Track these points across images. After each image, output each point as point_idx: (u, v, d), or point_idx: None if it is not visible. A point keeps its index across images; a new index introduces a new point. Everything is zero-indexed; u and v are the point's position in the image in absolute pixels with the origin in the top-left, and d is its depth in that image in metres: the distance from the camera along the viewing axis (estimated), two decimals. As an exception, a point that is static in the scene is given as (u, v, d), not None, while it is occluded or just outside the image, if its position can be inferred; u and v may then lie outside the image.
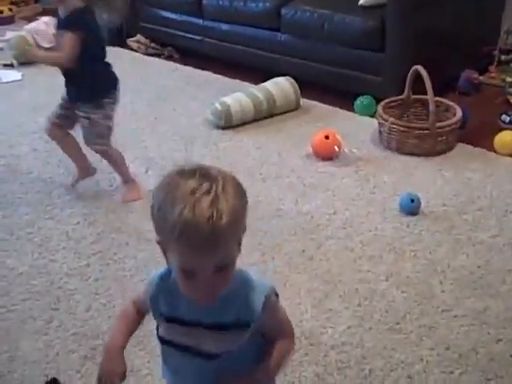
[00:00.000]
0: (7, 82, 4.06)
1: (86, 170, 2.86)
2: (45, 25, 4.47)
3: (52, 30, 4.41)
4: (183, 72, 4.11)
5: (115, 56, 4.40)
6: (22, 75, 4.16)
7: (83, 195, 2.79)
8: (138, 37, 4.51)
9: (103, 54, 2.65)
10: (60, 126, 2.71)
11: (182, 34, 4.25)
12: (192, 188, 0.97)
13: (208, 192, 0.97)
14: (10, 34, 4.79)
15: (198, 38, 4.15)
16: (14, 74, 4.17)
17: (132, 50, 4.53)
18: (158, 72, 4.14)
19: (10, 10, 5.32)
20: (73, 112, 2.63)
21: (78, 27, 2.41)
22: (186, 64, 4.21)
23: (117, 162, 2.78)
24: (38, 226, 2.58)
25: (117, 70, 4.10)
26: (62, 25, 2.46)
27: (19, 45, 4.26)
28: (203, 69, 4.09)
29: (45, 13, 5.48)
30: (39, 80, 4.08)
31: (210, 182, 0.99)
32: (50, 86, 3.89)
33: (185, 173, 1.02)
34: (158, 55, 4.40)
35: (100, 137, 2.64)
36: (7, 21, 5.24)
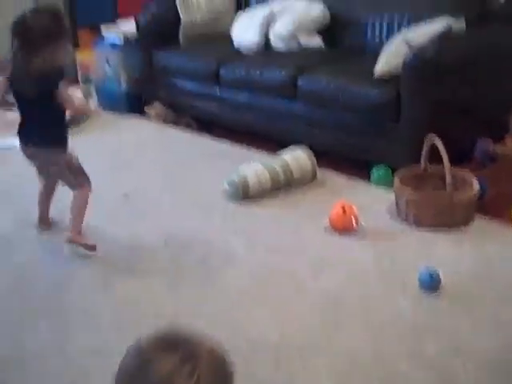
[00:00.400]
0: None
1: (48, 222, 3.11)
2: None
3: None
4: (201, 141, 4.16)
5: (133, 124, 4.54)
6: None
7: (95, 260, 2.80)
8: (156, 105, 4.57)
9: None
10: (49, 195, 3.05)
11: (199, 103, 4.32)
12: (170, 370, 0.84)
13: (190, 376, 0.84)
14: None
15: (216, 107, 4.21)
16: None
17: (150, 118, 4.59)
18: (176, 141, 4.19)
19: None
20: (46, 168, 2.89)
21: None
22: (203, 133, 4.27)
23: (82, 206, 2.91)
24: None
25: (134, 137, 4.24)
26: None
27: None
28: (220, 138, 4.14)
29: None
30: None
31: (193, 363, 0.85)
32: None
33: (165, 345, 0.88)
34: (176, 124, 4.46)
35: (81, 173, 2.90)
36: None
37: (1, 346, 2.31)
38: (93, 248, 2.85)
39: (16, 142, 2.91)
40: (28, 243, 3.00)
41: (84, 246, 2.85)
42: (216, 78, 4.13)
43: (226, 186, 3.36)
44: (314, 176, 3.46)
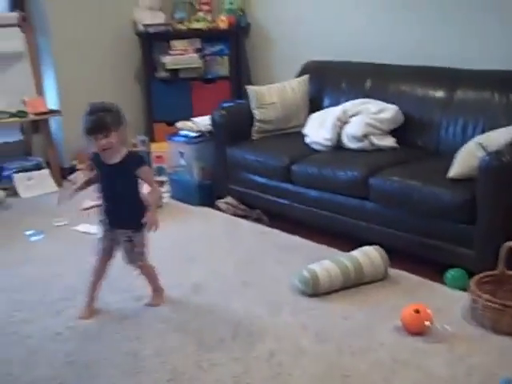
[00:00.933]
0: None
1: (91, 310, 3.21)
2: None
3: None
4: (271, 235, 4.18)
5: (204, 215, 4.62)
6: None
7: (167, 361, 2.79)
8: (228, 198, 4.66)
9: None
10: (107, 258, 3.18)
11: (270, 197, 4.38)
12: None
13: None
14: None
15: (287, 202, 4.25)
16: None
17: (220, 210, 4.67)
18: (246, 234, 4.22)
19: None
20: (113, 239, 3.13)
21: (144, 161, 3.08)
22: (273, 227, 4.29)
23: (151, 274, 3.26)
24: (125, 390, 2.57)
25: (205, 229, 4.30)
26: (130, 164, 3.00)
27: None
28: (291, 233, 4.16)
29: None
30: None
31: None
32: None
33: None
34: (247, 217, 4.52)
35: (141, 254, 3.14)
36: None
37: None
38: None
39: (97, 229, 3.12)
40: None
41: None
42: (288, 175, 4.20)
43: (296, 281, 3.35)
44: (385, 275, 3.43)
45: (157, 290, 3.30)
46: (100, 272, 3.20)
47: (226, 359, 2.76)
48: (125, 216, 3.08)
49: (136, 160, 3.05)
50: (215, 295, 3.36)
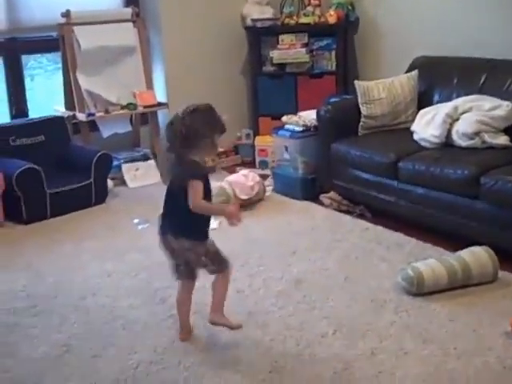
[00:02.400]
0: (206, 229, 4.27)
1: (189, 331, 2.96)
2: (243, 177, 4.74)
3: (250, 183, 4.68)
4: (374, 231, 4.11)
5: (307, 210, 4.60)
6: (219, 223, 4.36)
7: (267, 354, 2.78)
8: (331, 193, 4.61)
9: None
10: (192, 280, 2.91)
11: (375, 194, 4.29)
12: None
13: None
14: (212, 183, 5.10)
15: (392, 199, 4.16)
16: (211, 223, 4.36)
17: (323, 205, 4.63)
18: (349, 230, 4.17)
19: (213, 160, 5.71)
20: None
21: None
22: (377, 224, 4.21)
23: (224, 289, 2.87)
24: (225, 379, 2.59)
25: (308, 223, 4.28)
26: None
27: (219, 195, 4.54)
28: (395, 230, 4.07)
29: (243, 164, 5.87)
30: (234, 230, 4.23)
31: None
32: (245, 236, 4.12)
33: None
34: (350, 213, 4.46)
35: (219, 259, 2.83)
36: (210, 170, 5.62)
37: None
38: (238, 327, 2.85)
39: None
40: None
41: (228, 326, 2.85)
42: (394, 171, 4.10)
43: (400, 280, 3.28)
44: (495, 277, 3.29)
45: (218, 308, 2.89)
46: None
47: (327, 355, 2.73)
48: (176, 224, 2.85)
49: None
50: (317, 290, 3.34)
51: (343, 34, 5.61)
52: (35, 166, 4.43)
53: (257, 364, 2.69)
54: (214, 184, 4.95)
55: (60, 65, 5.42)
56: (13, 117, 5.31)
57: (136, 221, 4.49)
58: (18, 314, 3.20)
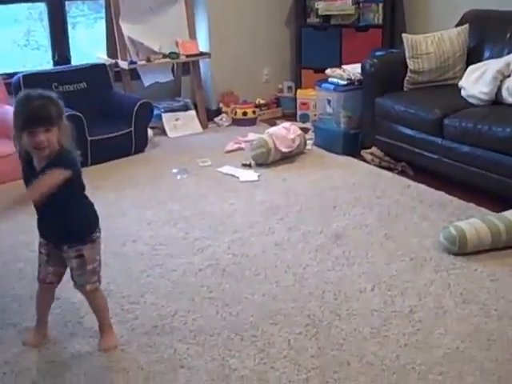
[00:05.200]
0: (244, 182, 4.26)
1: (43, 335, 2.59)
2: (284, 130, 4.68)
3: (291, 136, 4.63)
4: (416, 189, 4.03)
5: (348, 165, 4.54)
6: (259, 176, 4.36)
7: (305, 307, 2.78)
8: (373, 149, 4.54)
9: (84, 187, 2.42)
10: (52, 284, 2.51)
11: (418, 151, 4.20)
12: None
13: None
14: (252, 135, 5.08)
15: (435, 156, 4.06)
16: (251, 175, 4.37)
17: (365, 161, 4.57)
18: (390, 187, 4.10)
19: (254, 112, 5.66)
20: (60, 258, 2.43)
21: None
22: (419, 181, 4.13)
23: (102, 304, 2.54)
24: (262, 330, 2.59)
25: (347, 179, 4.23)
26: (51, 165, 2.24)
27: (260, 147, 4.51)
28: (437, 188, 3.99)
29: (284, 117, 5.81)
30: (274, 182, 4.25)
31: None
32: (285, 189, 4.10)
33: None
34: (391, 169, 4.38)
35: (93, 274, 2.44)
36: (250, 122, 5.59)
37: None
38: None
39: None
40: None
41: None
42: (439, 128, 4.00)
43: (441, 238, 3.22)
44: (541, 240, 3.21)
45: (103, 327, 2.56)
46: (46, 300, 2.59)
47: (365, 310, 2.71)
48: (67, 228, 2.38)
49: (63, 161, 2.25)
50: (356, 246, 3.30)
51: (388, -15, 5.45)
52: (77, 113, 4.42)
53: (294, 317, 2.68)
54: (254, 136, 4.96)
55: (101, 13, 5.39)
56: (55, 63, 5.31)
57: (175, 171, 4.49)
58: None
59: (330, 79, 5.00)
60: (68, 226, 2.37)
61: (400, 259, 3.14)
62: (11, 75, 4.88)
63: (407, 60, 4.52)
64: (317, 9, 5.58)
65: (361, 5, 5.52)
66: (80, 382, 2.32)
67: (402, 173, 4.33)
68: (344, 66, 5.02)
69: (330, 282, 2.95)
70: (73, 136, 2.33)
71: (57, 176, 2.21)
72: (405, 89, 4.55)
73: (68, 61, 5.36)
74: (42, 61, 5.51)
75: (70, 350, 2.50)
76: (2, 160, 4.26)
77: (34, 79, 4.81)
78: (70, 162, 2.27)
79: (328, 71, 5.04)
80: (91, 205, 2.46)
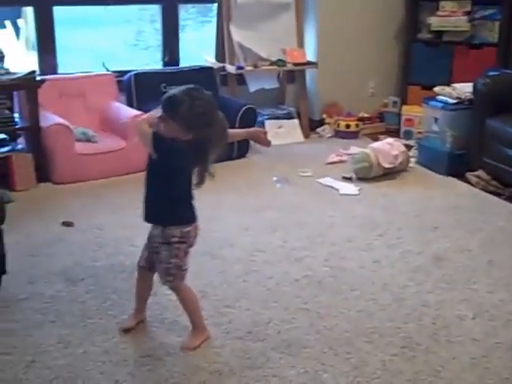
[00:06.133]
0: (344, 195, 4.22)
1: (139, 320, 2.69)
2: (388, 146, 4.61)
3: (395, 152, 4.55)
4: (524, 217, 3.88)
5: (452, 186, 4.43)
6: (359, 190, 4.30)
7: (401, 329, 2.71)
8: (480, 172, 4.39)
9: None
10: (144, 268, 2.61)
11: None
12: None
13: None
14: (355, 148, 5.03)
15: (547, 184, 3.91)
16: (351, 188, 4.32)
17: (469, 183, 4.43)
18: (496, 212, 3.95)
19: (357, 125, 5.61)
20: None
21: None
22: (528, 209, 3.98)
23: (186, 304, 2.57)
24: (357, 347, 2.54)
25: (451, 200, 4.11)
26: None
27: (362, 161, 4.45)
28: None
29: (387, 133, 5.72)
30: (374, 198, 4.18)
31: None
32: (384, 205, 4.03)
33: None
34: (498, 194, 4.23)
35: (166, 273, 2.48)
36: (352, 135, 5.54)
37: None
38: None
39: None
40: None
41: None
42: (553, 155, 3.84)
43: (550, 271, 3.08)
44: None
45: (192, 327, 2.60)
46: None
47: (465, 338, 2.61)
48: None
49: None
50: (457, 270, 3.20)
51: (510, 3, 5.27)
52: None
53: (389, 337, 2.61)
54: (357, 149, 4.91)
55: (208, 17, 5.48)
56: (165, 64, 5.44)
57: (275, 178, 4.50)
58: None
59: (438, 97, 4.88)
60: (163, 207, 2.43)
61: (504, 289, 3.02)
62: (122, 73, 5.03)
63: (524, 82, 4.37)
64: (429, 24, 5.48)
65: (476, 22, 5.37)
66: (174, 378, 2.34)
67: (510, 199, 4.17)
68: (454, 84, 4.89)
69: (429, 306, 2.87)
70: None
71: None
72: (519, 111, 4.39)
73: (177, 62, 5.47)
74: (149, 61, 5.67)
75: (166, 346, 2.53)
76: (114, 154, 4.42)
77: (144, 78, 4.96)
78: None
79: (437, 89, 4.92)
80: (191, 207, 2.49)
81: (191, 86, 2.35)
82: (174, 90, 2.34)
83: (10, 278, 2.93)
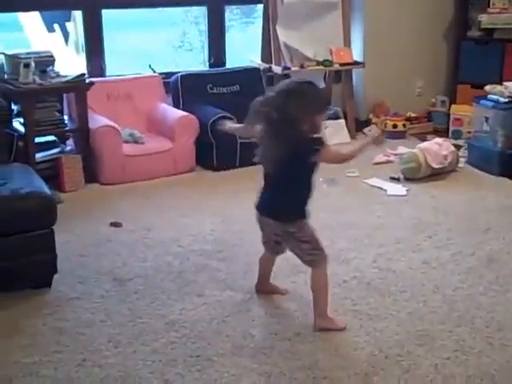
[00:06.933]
0: (392, 195, 4.16)
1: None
2: (437, 146, 4.53)
3: (444, 152, 4.47)
4: None
5: (503, 186, 4.34)
6: (407, 190, 4.24)
7: (454, 332, 2.65)
8: (532, 172, 4.30)
9: None
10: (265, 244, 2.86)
11: None
12: None
13: None
14: (402, 148, 4.96)
15: None
16: (399, 189, 4.26)
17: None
18: None
19: (404, 125, 5.53)
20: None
21: None
22: None
23: (320, 287, 2.69)
24: (407, 350, 2.50)
25: (503, 201, 4.03)
26: None
27: (410, 161, 4.39)
28: None
29: (435, 132, 5.62)
30: (423, 198, 4.12)
31: None
32: (433, 206, 3.96)
33: None
34: (553, 196, 4.13)
35: (304, 253, 2.71)
36: (399, 135, 5.46)
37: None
38: (342, 329, 2.65)
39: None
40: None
41: (335, 329, 2.65)
42: None
43: None
44: None
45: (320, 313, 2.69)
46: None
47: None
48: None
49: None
50: (511, 272, 3.12)
51: None
52: (229, 115, 4.51)
53: (441, 340, 2.56)
54: (404, 149, 4.84)
55: (251, 18, 5.48)
56: (210, 65, 5.45)
57: (322, 179, 4.45)
58: (206, 257, 3.30)
59: (489, 96, 4.78)
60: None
61: (559, 290, 2.94)
62: (168, 75, 5.07)
63: None
64: (479, 21, 5.38)
65: (529, 19, 5.26)
66: (223, 379, 2.33)
67: None
68: (506, 83, 4.78)
69: (482, 308, 2.80)
70: None
71: None
72: None
73: (223, 63, 5.48)
74: (193, 62, 5.70)
75: (215, 347, 2.52)
76: (161, 155, 4.46)
77: (190, 79, 4.99)
78: None
79: (487, 87, 4.82)
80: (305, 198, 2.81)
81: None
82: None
83: (60, 278, 2.98)
